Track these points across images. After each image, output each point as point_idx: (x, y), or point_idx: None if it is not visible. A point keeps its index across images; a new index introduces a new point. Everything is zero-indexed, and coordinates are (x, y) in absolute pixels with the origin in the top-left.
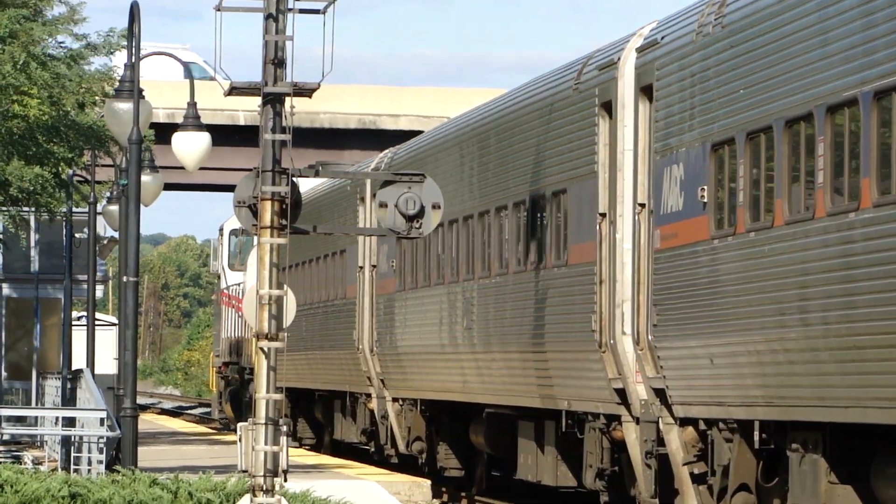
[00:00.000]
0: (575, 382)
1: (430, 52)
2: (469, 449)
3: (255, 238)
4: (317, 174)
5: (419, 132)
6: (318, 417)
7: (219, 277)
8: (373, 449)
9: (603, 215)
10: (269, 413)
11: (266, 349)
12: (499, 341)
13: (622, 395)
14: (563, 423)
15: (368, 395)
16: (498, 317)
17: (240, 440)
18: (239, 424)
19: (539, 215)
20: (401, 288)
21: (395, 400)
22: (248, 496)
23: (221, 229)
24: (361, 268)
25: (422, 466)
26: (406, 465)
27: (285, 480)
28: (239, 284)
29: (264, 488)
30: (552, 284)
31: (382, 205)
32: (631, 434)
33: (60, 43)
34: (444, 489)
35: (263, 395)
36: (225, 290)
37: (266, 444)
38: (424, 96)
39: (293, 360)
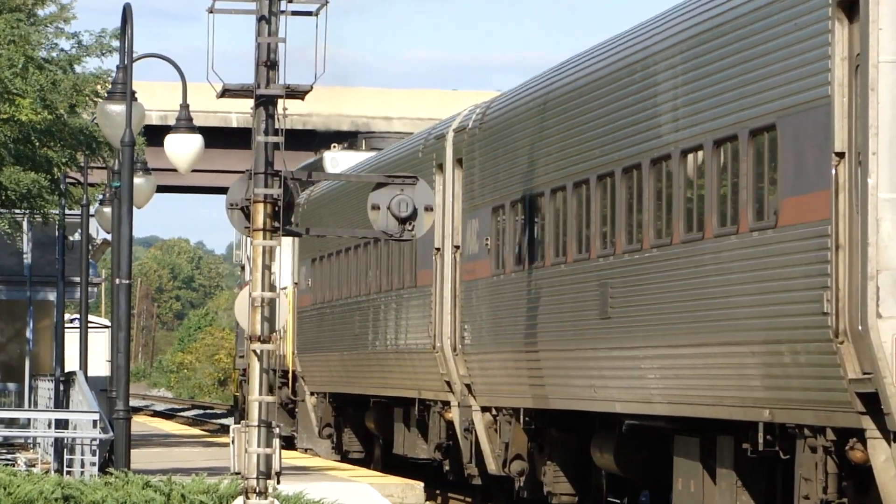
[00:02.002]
0: (784, 383)
1: (426, 54)
2: (585, 469)
3: None
4: (309, 176)
5: (410, 135)
6: (370, 428)
7: (242, 269)
8: (448, 467)
9: (840, 155)
10: (261, 415)
11: (258, 351)
12: (651, 333)
13: (869, 401)
14: (760, 440)
15: (446, 404)
16: (651, 301)
17: (233, 442)
18: (232, 427)
19: (724, 163)
20: (499, 271)
21: (485, 410)
22: (240, 498)
23: None
24: (438, 250)
25: (520, 490)
26: (495, 489)
27: (278, 483)
28: None
29: (257, 490)
30: (748, 254)
31: (374, 207)
32: (879, 455)
33: (55, 44)
34: (437, 491)
35: (256, 397)
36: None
37: (259, 446)
38: (417, 99)
39: (341, 362)
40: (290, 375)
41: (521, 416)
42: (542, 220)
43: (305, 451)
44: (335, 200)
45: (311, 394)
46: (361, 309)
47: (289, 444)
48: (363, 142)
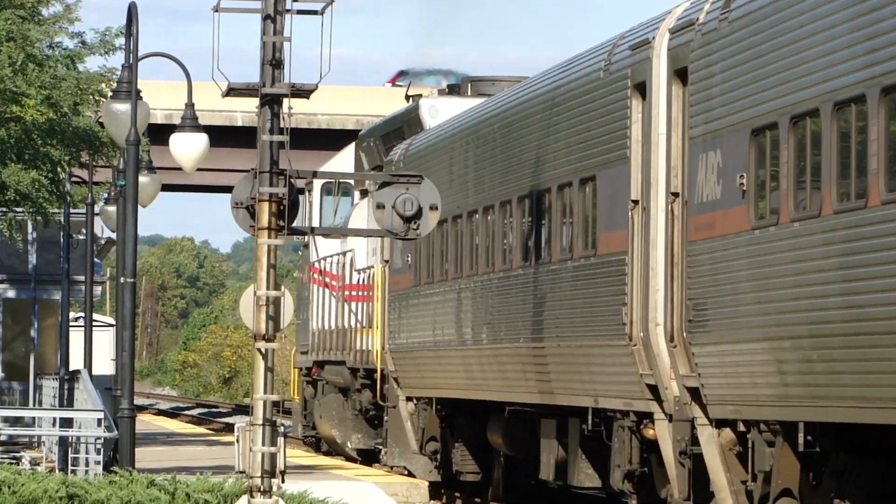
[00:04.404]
0: None
1: (436, 53)
2: None
3: (357, 194)
4: (315, 175)
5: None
6: (495, 444)
7: (305, 247)
8: (635, 503)
9: None
10: (265, 414)
11: (263, 350)
12: None
13: None
14: None
15: (646, 416)
16: None
17: (237, 441)
18: (237, 425)
19: None
20: (766, 222)
21: (721, 424)
22: (245, 497)
23: (309, 184)
24: (636, 203)
25: None
26: None
27: (283, 481)
28: (344, 254)
29: (262, 489)
30: None
31: (379, 206)
32: None
33: (58, 43)
34: (443, 490)
35: (260, 396)
36: (315, 265)
37: (263, 444)
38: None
39: (458, 359)
40: (377, 376)
41: (801, 435)
42: (858, 138)
43: (391, 468)
44: (452, 150)
45: (408, 399)
46: (497, 289)
47: (367, 459)
48: (469, 87)
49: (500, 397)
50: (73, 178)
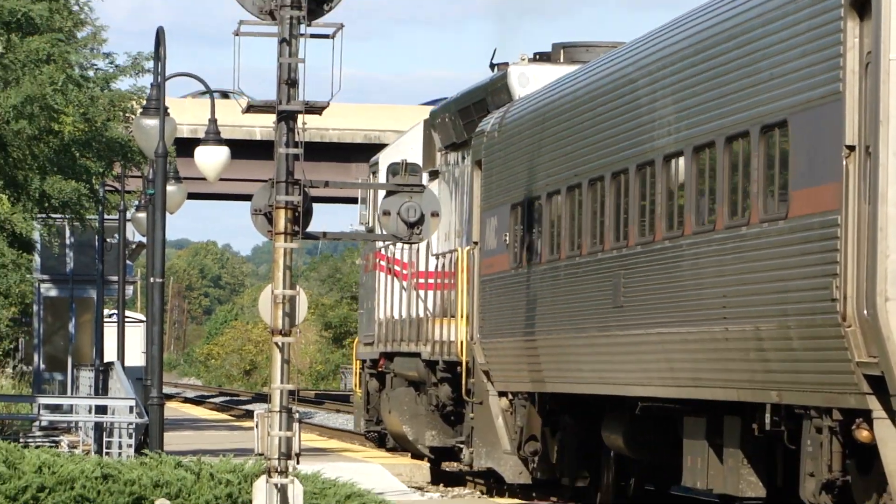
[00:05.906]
0: None
1: (437, 74)
2: None
3: (425, 176)
4: (326, 185)
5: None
6: (613, 445)
7: (370, 232)
8: None
9: None
10: (282, 402)
11: (280, 344)
12: None
13: None
14: None
15: (856, 415)
16: None
17: (256, 426)
18: (256, 412)
19: None
20: None
21: None
22: (264, 477)
23: (375, 166)
24: (852, 149)
25: None
26: None
27: (298, 463)
28: None
29: (279, 470)
30: None
31: (386, 213)
32: None
33: (93, 65)
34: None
35: (277, 385)
36: (381, 251)
37: (280, 430)
38: (424, 113)
39: (572, 348)
40: (461, 369)
41: None
42: None
43: (470, 470)
44: (571, 111)
45: (501, 395)
46: (632, 266)
47: (440, 458)
48: (560, 53)
49: (633, 392)
50: (107, 188)
